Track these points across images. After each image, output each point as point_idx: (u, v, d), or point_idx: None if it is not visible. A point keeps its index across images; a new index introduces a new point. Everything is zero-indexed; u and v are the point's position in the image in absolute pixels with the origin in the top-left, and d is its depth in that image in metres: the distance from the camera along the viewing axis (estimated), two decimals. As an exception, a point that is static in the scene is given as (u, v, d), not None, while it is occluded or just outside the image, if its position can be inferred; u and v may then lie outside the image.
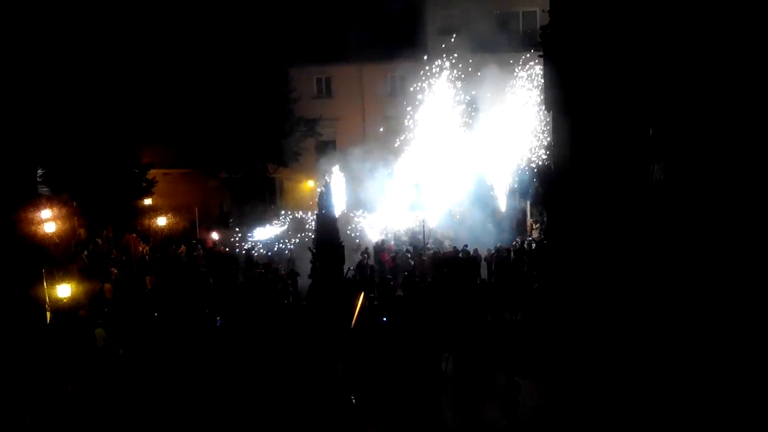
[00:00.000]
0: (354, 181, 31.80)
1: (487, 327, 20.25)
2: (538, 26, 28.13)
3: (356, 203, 31.84)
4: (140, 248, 26.81)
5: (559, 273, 20.23)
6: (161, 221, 30.01)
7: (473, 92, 31.41)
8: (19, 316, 19.01)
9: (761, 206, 15.49)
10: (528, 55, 30.22)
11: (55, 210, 26.44)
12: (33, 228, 24.55)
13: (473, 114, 31.50)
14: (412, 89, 31.98)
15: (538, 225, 31.76)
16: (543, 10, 24.96)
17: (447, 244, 29.11)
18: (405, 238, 30.50)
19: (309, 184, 37.67)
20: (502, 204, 31.95)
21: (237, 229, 30.96)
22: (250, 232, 29.79)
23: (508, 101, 30.59)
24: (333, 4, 36.40)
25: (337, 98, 38.07)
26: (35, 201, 26.85)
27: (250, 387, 16.87)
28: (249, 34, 33.68)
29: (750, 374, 14.77)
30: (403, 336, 18.54)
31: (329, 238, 22.34)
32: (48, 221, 24.95)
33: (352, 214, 31.48)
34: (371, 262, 26.62)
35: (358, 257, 26.35)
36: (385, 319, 19.83)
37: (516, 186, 32.07)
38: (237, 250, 28.59)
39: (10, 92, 26.83)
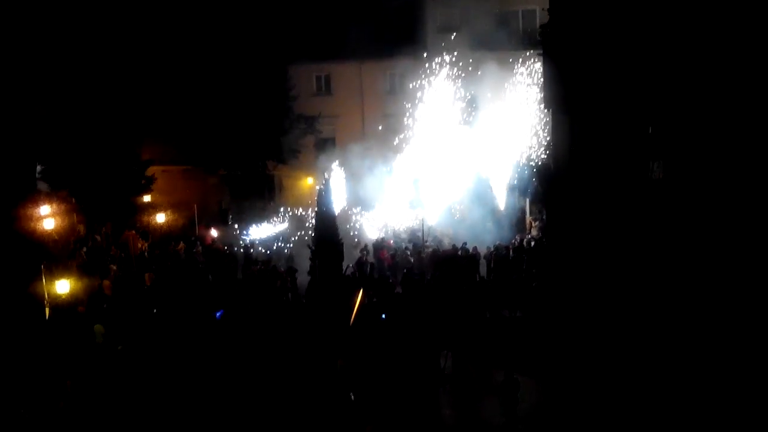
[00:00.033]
0: (353, 178, 31.77)
1: (486, 324, 20.25)
2: (538, 25, 28.10)
3: (356, 201, 31.81)
4: (139, 245, 26.79)
5: (558, 270, 20.25)
6: (160, 218, 29.99)
7: (473, 90, 31.37)
8: (18, 312, 18.99)
9: (761, 204, 15.51)
10: (528, 54, 30.21)
11: (55, 206, 26.48)
12: (32, 224, 24.60)
13: (473, 112, 31.47)
14: (411, 87, 31.93)
15: (537, 223, 31.76)
16: (542, 9, 24.96)
17: (446, 242, 29.12)
18: (404, 236, 30.49)
19: (308, 182, 37.64)
20: (502, 202, 31.92)
21: (236, 226, 30.94)
22: (247, 229, 29.69)
23: (507, 99, 30.55)
24: (333, 1, 36.37)
25: (337, 95, 38.03)
26: (34, 197, 26.93)
27: (249, 383, 16.87)
28: (249, 31, 33.65)
29: (748, 366, 14.81)
30: (402, 333, 18.53)
31: (328, 235, 22.34)
32: (47, 217, 24.98)
33: (350, 213, 31.46)
34: (371, 259, 26.64)
35: (357, 254, 26.36)
36: (383, 316, 19.82)
37: (515, 184, 32.04)
38: (236, 248, 28.54)
39: (9, 89, 26.86)
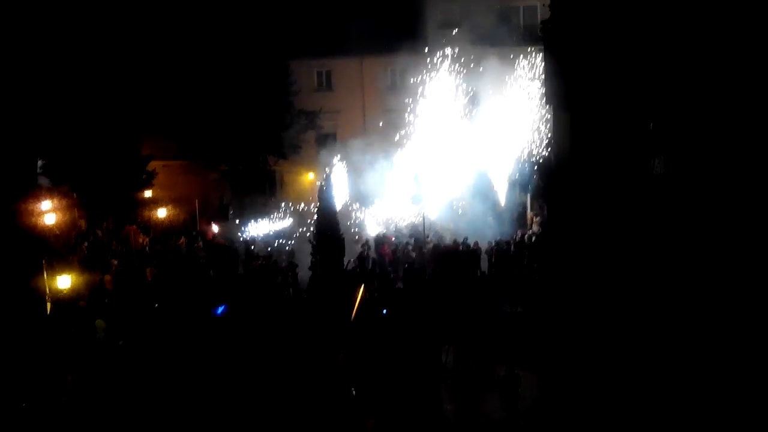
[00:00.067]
0: (354, 173, 31.75)
1: (487, 319, 20.22)
2: (539, 20, 28.08)
3: (357, 196, 31.81)
4: (140, 240, 26.78)
5: (559, 266, 20.23)
6: (161, 213, 29.96)
7: (474, 86, 31.32)
8: (20, 307, 18.98)
9: (763, 200, 15.49)
10: (529, 49, 30.14)
11: (56, 201, 26.45)
12: (33, 219, 24.55)
13: (474, 107, 31.42)
14: (412, 82, 31.89)
15: (538, 218, 31.73)
16: (543, 4, 24.92)
17: (447, 237, 29.10)
18: (406, 231, 30.48)
19: (309, 177, 37.63)
20: (503, 197, 31.89)
21: (237, 221, 30.92)
22: (246, 225, 29.61)
23: (508, 95, 30.51)
24: (333, -4, 36.35)
25: (338, 91, 38.01)
26: (35, 192, 26.87)
27: (250, 379, 16.85)
28: (249, 26, 33.59)
29: (748, 365, 14.80)
30: (403, 328, 18.51)
31: (330, 230, 22.35)
32: (48, 212, 24.94)
33: (351, 208, 31.45)
34: (372, 254, 26.63)
35: (358, 249, 26.36)
36: (385, 311, 19.82)
37: (516, 179, 32.01)
38: (237, 243, 28.53)
39: (10, 84, 26.79)
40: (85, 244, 25.10)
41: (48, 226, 24.34)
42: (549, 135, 27.57)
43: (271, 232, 29.64)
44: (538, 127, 30.45)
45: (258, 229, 29.53)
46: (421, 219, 27.99)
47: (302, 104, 36.40)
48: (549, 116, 26.44)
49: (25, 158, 29.05)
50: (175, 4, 33.04)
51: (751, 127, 15.82)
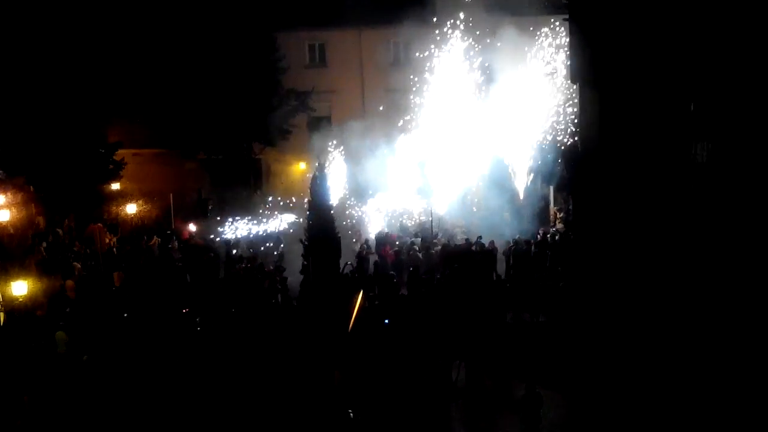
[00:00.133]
0: (352, 162, 31.77)
1: (504, 330, 20.26)
2: (564, -15, 28.02)
3: (355, 188, 31.84)
4: (107, 240, 26.84)
5: (587, 269, 20.20)
6: (131, 209, 30.03)
7: (489, 61, 31.28)
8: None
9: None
10: (552, 19, 30.10)
11: (9, 196, 26.46)
12: (-17, 216, 24.60)
13: (489, 86, 31.40)
14: (418, 57, 31.88)
15: (562, 214, 31.75)
16: (569, -33, 24.84)
17: (459, 236, 29.13)
18: (412, 229, 30.52)
19: (300, 167, 37.65)
20: (522, 189, 31.92)
21: (218, 218, 30.97)
22: (227, 223, 29.62)
23: (528, 71, 30.49)
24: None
25: (333, 68, 38.05)
26: (-15, 185, 26.91)
27: (234, 399, 16.89)
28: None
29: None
30: (408, 341, 18.54)
31: (324, 228, 22.35)
32: (1, 209, 24.97)
33: (349, 202, 31.49)
34: (372, 255, 26.65)
35: (356, 250, 26.41)
36: (387, 321, 19.85)
37: (538, 168, 32.01)
38: (215, 244, 28.57)
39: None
40: (44, 244, 25.14)
41: (1, 224, 24.38)
42: (575, 117, 27.53)
43: (257, 234, 29.65)
44: (563, 108, 30.45)
45: (241, 229, 29.55)
46: (428, 215, 28.02)
47: (292, 83, 36.46)
48: (575, 96, 26.38)
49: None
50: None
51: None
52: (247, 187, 36.90)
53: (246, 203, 33.71)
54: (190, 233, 30.22)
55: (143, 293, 21.93)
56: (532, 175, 32.24)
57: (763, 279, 16.00)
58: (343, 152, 32.16)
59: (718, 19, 16.66)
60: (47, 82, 29.57)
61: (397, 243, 28.32)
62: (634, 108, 18.14)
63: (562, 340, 19.39)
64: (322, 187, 22.61)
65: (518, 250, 26.12)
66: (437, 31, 31.38)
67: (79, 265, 23.88)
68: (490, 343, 18.92)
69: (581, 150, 22.09)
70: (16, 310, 19.51)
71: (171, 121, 34.36)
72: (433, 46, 31.39)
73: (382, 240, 28.11)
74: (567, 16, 21.65)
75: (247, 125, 35.26)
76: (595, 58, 19.24)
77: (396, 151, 31.52)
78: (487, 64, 31.39)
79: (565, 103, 30.35)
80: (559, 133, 30.63)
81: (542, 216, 32.16)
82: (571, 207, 28.12)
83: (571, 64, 22.28)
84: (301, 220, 29.66)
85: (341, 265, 22.94)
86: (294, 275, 24.09)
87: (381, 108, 34.77)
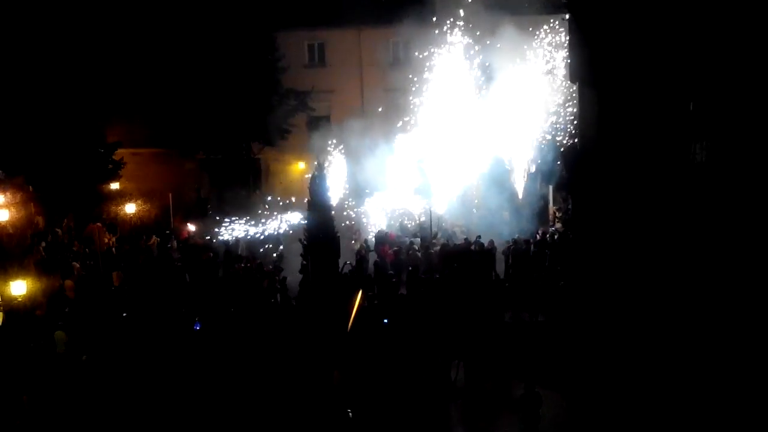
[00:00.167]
0: (351, 161, 31.77)
1: (504, 330, 20.27)
2: (563, -16, 28.00)
3: (354, 187, 31.84)
4: (106, 239, 26.80)
5: (586, 268, 20.20)
6: (130, 208, 30.00)
7: (488, 60, 31.27)
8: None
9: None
10: (551, 18, 30.10)
11: (9, 196, 26.44)
12: (-18, 216, 24.58)
13: (488, 85, 31.40)
14: (417, 56, 31.87)
15: (561, 213, 31.74)
16: (568, -34, 24.84)
17: (458, 235, 29.12)
18: (412, 228, 30.50)
19: (299, 166, 37.67)
20: (521, 189, 31.91)
21: (216, 218, 30.94)
22: (226, 223, 29.56)
23: (528, 70, 30.48)
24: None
25: (332, 67, 38.01)
26: (-16, 185, 26.90)
27: (232, 399, 16.90)
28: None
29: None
30: (407, 340, 18.56)
31: (323, 228, 22.35)
32: (0, 208, 24.95)
33: (348, 201, 31.49)
34: (371, 255, 26.64)
35: (355, 249, 26.39)
36: (386, 320, 19.86)
37: (537, 168, 32.01)
38: (214, 244, 28.54)
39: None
40: (43, 244, 25.14)
41: (0, 224, 24.36)
42: (574, 118, 27.54)
43: (257, 235, 29.61)
44: (563, 108, 30.44)
45: (240, 230, 29.51)
46: (427, 214, 28.01)
47: (291, 83, 36.41)
48: (574, 95, 26.38)
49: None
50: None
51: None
52: (246, 186, 36.87)
53: (245, 203, 33.68)
54: (189, 233, 30.22)
55: (142, 293, 21.94)
56: (531, 174, 32.23)
57: (762, 278, 16.00)
58: (342, 152, 32.15)
59: (717, 18, 16.66)
60: (46, 81, 29.55)
61: (396, 242, 28.31)
62: (634, 107, 18.12)
63: (561, 339, 19.38)
64: (322, 187, 22.62)
65: (517, 250, 26.12)
66: (437, 31, 31.38)
67: (78, 265, 23.88)
68: (489, 343, 18.94)
69: (580, 149, 22.07)
70: (15, 309, 19.50)
71: (170, 121, 34.32)
72: (432, 45, 31.38)
73: (381, 240, 28.10)
74: (566, 16, 21.67)
75: (247, 125, 35.23)
76: (594, 57, 19.22)
77: (395, 151, 31.53)
78: (487, 64, 31.39)
79: (564, 103, 30.34)
80: (558, 133, 30.64)
81: (541, 215, 32.16)
82: (570, 206, 28.12)
83: (570, 64, 22.27)
84: (286, 223, 29.96)
85: (340, 265, 22.95)
86: (293, 275, 24.08)
87: (380, 109, 34.74)
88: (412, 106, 31.92)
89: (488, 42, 31.06)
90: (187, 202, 34.70)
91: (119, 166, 33.40)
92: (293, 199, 31.70)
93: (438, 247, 27.06)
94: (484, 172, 31.38)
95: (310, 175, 24.27)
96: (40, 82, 29.44)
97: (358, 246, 27.16)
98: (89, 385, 17.19)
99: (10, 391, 16.04)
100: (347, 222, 30.35)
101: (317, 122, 37.37)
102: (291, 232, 29.20)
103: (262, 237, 29.56)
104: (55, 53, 29.69)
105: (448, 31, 31.18)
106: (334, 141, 32.27)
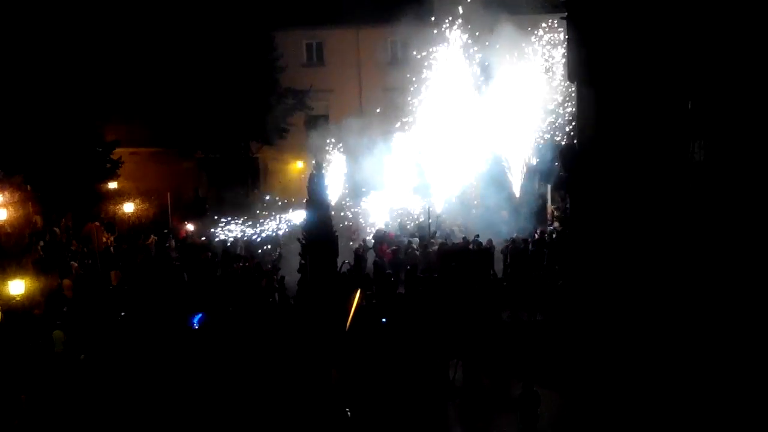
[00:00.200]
0: (350, 161, 31.76)
1: (502, 329, 20.27)
2: (561, -17, 28.00)
3: (352, 186, 31.84)
4: (104, 239, 26.81)
5: (585, 267, 20.20)
6: (128, 208, 29.96)
7: (487, 59, 31.29)
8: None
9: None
10: (550, 18, 30.10)
11: (7, 195, 26.41)
12: (-20, 216, 24.56)
13: (486, 84, 31.41)
14: (416, 56, 31.86)
15: (560, 212, 31.74)
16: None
17: (456, 234, 29.12)
18: (410, 228, 30.48)
19: (297, 166, 37.66)
20: (519, 188, 31.92)
21: (215, 217, 30.93)
22: (224, 222, 29.52)
23: (526, 70, 30.48)
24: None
25: (330, 66, 38.02)
26: (-18, 185, 26.87)
27: (230, 398, 16.89)
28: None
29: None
30: (406, 339, 18.55)
31: (321, 227, 22.32)
32: (-2, 208, 24.96)
33: (346, 200, 31.48)
34: (370, 254, 26.63)
35: (353, 248, 26.39)
36: (384, 320, 19.86)
37: (535, 167, 32.02)
38: (213, 243, 28.52)
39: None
40: (41, 243, 25.11)
41: (-3, 223, 24.38)
42: (572, 116, 27.54)
43: (255, 235, 29.59)
44: (561, 107, 30.45)
45: (236, 232, 29.49)
46: (425, 213, 28.01)
47: (289, 82, 36.40)
48: (573, 94, 26.39)
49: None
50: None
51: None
52: (245, 185, 36.88)
53: (243, 202, 33.70)
54: (188, 232, 30.19)
55: (140, 292, 21.93)
56: (529, 173, 32.23)
57: (761, 277, 16.01)
58: (341, 151, 32.14)
59: (715, 17, 16.66)
60: (45, 80, 29.51)
61: (395, 241, 28.31)
62: (632, 106, 18.13)
63: (559, 338, 19.38)
64: (320, 186, 22.58)
65: (516, 249, 26.13)
66: (435, 30, 31.41)
67: (76, 264, 23.85)
68: (488, 342, 18.93)
69: (579, 148, 22.08)
70: (13, 308, 19.46)
71: (168, 120, 34.31)
72: (430, 45, 31.39)
73: (380, 239, 28.11)
74: (564, 15, 21.65)
75: (245, 124, 35.24)
76: (592, 56, 19.23)
77: (394, 150, 31.52)
78: (486, 63, 31.40)
79: (562, 102, 30.36)
80: (556, 132, 30.65)
81: (540, 214, 32.16)
82: (568, 205, 28.13)
83: (568, 63, 22.26)
84: (284, 222, 29.93)
85: (339, 264, 22.94)
86: (291, 274, 24.07)
87: (378, 109, 34.73)
88: (410, 106, 31.91)
89: (487, 41, 31.08)
90: (186, 202, 34.66)
91: (117, 166, 33.34)
92: (292, 199, 31.69)
93: (436, 246, 27.05)
94: (482, 171, 31.37)
95: (308, 175, 24.26)
96: (38, 82, 29.40)
97: (356, 245, 27.12)
98: (87, 384, 17.19)
99: (8, 391, 16.03)
100: (346, 221, 30.33)
101: (316, 121, 37.41)
102: (289, 231, 29.17)
103: (259, 239, 29.54)
104: (53, 52, 29.64)
105: (447, 31, 31.20)
106: (333, 140, 32.27)
